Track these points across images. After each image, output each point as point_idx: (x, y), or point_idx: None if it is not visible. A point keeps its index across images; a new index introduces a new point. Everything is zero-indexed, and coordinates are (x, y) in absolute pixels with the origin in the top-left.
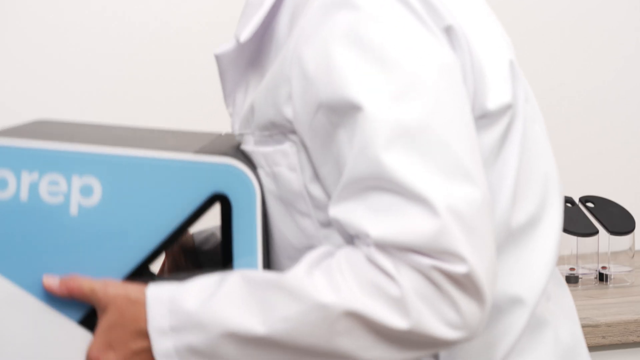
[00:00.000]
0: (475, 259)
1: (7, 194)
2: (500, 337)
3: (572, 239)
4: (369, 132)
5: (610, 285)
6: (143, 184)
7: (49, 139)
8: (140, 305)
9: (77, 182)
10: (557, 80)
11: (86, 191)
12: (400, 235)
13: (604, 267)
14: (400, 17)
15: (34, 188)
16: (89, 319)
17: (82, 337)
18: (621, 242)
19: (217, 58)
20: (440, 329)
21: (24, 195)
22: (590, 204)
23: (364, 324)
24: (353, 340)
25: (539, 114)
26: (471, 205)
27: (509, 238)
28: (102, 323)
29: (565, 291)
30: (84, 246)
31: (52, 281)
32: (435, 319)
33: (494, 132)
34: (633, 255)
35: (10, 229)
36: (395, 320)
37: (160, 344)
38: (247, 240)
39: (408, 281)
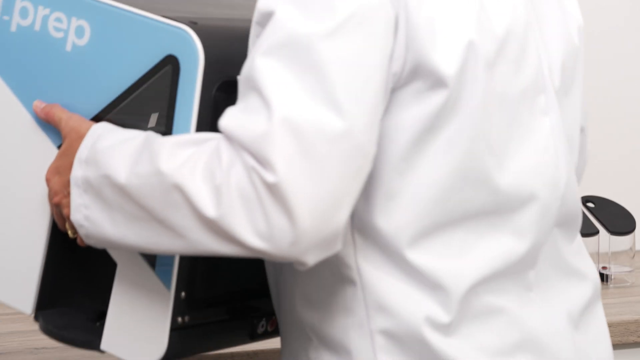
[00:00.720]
0: (290, 175)
1: (27, 22)
2: (414, 318)
3: None
4: (265, 35)
5: (611, 286)
6: (119, 35)
7: None
8: (82, 139)
9: (74, 22)
10: None
11: (79, 32)
12: (235, 129)
13: (604, 267)
14: None
15: (44, 21)
16: None
17: (53, 158)
18: (621, 242)
19: None
20: (245, 232)
21: (37, 25)
22: (590, 204)
23: (187, 202)
24: (180, 217)
25: (555, 109)
26: (319, 131)
27: (456, 221)
28: (60, 150)
29: (571, 283)
30: (69, 80)
31: (38, 105)
32: (243, 220)
33: (430, 102)
34: (633, 256)
35: (24, 52)
36: (207, 206)
37: (75, 171)
38: (186, 103)
39: (234, 175)
